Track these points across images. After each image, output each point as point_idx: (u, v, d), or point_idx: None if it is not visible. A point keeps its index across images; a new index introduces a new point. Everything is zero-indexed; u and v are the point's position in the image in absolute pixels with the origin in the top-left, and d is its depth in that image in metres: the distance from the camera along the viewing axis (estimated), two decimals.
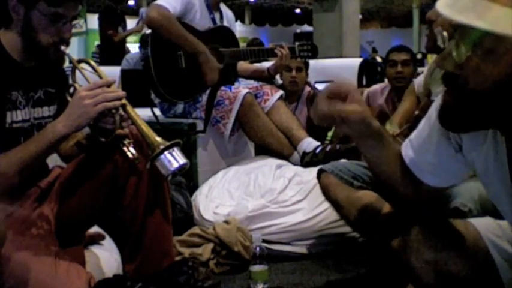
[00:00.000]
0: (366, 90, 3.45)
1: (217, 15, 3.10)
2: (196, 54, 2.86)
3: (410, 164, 1.25)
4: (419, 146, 1.23)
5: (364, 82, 4.91)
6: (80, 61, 1.71)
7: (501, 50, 0.92)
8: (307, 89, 3.56)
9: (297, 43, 3.19)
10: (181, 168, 1.51)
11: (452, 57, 0.97)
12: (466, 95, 0.98)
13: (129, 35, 6.51)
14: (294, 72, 3.39)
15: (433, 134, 1.20)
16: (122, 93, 1.53)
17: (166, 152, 1.49)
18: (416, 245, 1.22)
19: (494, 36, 0.89)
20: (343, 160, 2.57)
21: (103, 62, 6.38)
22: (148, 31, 2.92)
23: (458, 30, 0.96)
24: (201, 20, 2.98)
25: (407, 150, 1.26)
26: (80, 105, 1.47)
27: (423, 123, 1.24)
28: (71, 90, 1.65)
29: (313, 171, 2.60)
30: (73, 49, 12.88)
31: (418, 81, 2.71)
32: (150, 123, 1.61)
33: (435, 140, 1.20)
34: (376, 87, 3.47)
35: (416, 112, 1.89)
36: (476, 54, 0.94)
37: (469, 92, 0.97)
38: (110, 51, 6.37)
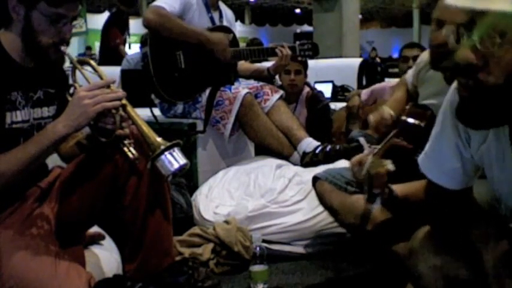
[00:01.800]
0: (370, 88, 3.47)
1: (216, 15, 3.09)
2: (201, 44, 2.86)
3: (427, 172, 1.28)
4: (434, 154, 1.27)
5: (364, 82, 4.91)
6: (80, 61, 1.70)
7: None
8: (306, 89, 3.54)
9: (297, 42, 3.17)
10: (182, 168, 1.51)
11: (473, 47, 0.96)
12: (483, 86, 0.97)
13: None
14: (292, 75, 3.36)
15: (444, 139, 1.23)
16: (121, 93, 1.52)
17: (166, 153, 1.49)
18: (423, 250, 1.22)
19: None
20: (341, 162, 2.57)
21: (102, 63, 6.38)
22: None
23: (478, 21, 0.96)
24: (199, 19, 2.97)
25: (423, 162, 1.30)
26: (79, 106, 1.47)
27: (433, 133, 1.28)
28: (71, 90, 1.65)
29: (313, 171, 2.61)
30: (73, 49, 12.88)
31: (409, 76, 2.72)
32: (149, 123, 1.60)
33: (446, 144, 1.22)
34: (383, 84, 3.51)
35: (403, 117, 1.86)
36: (495, 41, 0.94)
37: (487, 82, 0.96)
38: (109, 55, 6.38)
